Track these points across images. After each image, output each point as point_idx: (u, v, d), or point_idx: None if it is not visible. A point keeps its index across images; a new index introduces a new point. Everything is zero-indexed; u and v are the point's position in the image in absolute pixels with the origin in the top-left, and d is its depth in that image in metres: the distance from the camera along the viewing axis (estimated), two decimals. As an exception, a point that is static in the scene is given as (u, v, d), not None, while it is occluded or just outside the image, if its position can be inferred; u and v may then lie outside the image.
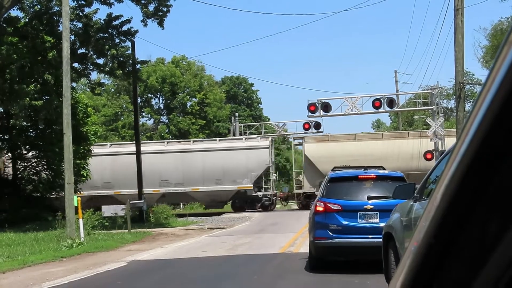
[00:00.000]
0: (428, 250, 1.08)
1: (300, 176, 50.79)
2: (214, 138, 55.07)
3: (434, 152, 40.10)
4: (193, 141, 49.88)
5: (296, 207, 52.11)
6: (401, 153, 44.56)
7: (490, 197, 0.97)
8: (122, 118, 75.58)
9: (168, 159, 45.80)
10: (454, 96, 39.14)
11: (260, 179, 47.27)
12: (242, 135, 54.07)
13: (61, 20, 28.56)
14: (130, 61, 35.81)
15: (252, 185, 46.54)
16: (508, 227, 0.94)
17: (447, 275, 1.06)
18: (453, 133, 37.32)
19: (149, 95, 77.94)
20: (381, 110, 43.25)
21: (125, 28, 34.44)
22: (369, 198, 13.25)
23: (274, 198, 49.28)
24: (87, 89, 50.69)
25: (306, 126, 48.70)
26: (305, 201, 49.32)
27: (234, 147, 47.20)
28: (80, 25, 34.30)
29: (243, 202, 46.77)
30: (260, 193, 47.30)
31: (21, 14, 34.34)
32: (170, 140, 53.68)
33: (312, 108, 42.37)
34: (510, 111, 0.93)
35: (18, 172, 38.71)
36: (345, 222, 13.17)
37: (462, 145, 1.01)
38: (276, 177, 50.03)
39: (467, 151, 0.99)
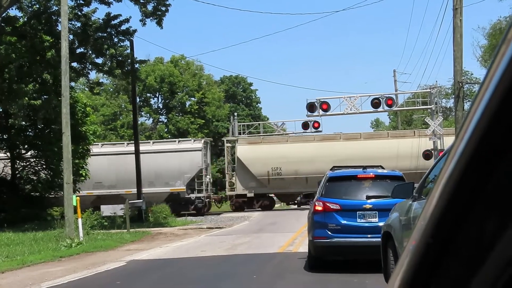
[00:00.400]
0: (426, 249, 1.08)
1: (233, 178, 51.14)
2: (148, 141, 54.85)
3: (432, 151, 40.13)
4: (127, 144, 49.49)
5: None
6: (331, 155, 44.82)
7: (489, 195, 0.97)
8: (121, 118, 75.60)
9: (102, 161, 45.52)
10: (453, 96, 39.15)
11: (193, 181, 47.30)
12: (241, 134, 54.08)
13: (59, 19, 28.54)
14: (129, 60, 35.87)
15: (185, 187, 46.58)
16: (507, 225, 0.94)
17: (446, 274, 1.06)
18: (452, 132, 37.39)
19: (148, 94, 77.94)
20: (380, 109, 43.27)
21: (123, 27, 34.49)
22: (368, 197, 13.26)
23: (207, 200, 49.33)
24: (85, 88, 50.63)
25: (305, 125, 48.70)
26: (238, 203, 49.72)
27: (167, 149, 47.28)
28: (78, 24, 34.33)
29: (176, 204, 46.64)
30: (193, 195, 47.35)
31: (19, 14, 34.40)
32: (104, 143, 53.38)
33: (311, 107, 42.34)
34: (508, 109, 0.92)
35: (17, 172, 38.73)
36: (344, 222, 13.17)
37: (461, 144, 1.00)
38: (209, 179, 50.19)
39: (465, 149, 0.99)
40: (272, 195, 51.58)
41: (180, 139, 54.31)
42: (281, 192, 50.31)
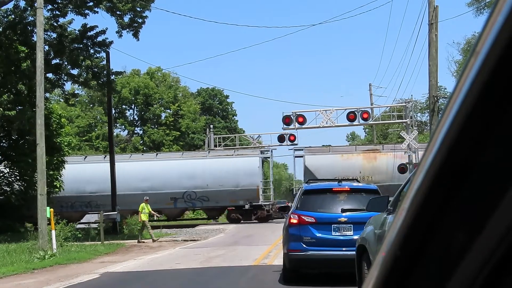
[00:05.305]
0: (394, 261, 1.08)
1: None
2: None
3: (408, 165, 40.39)
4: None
5: None
6: None
7: (457, 208, 0.98)
8: (96, 129, 75.20)
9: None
10: (428, 110, 39.48)
11: None
12: (217, 146, 53.98)
13: (35, 30, 28.39)
14: (105, 72, 35.65)
15: None
16: (475, 239, 0.94)
17: (414, 286, 1.06)
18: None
19: (123, 106, 77.65)
20: (355, 122, 43.43)
21: (100, 38, 34.31)
22: (343, 210, 13.26)
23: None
24: (61, 99, 50.37)
25: (281, 138, 48.73)
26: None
27: None
28: (54, 35, 34.14)
29: None
30: None
31: (-5, 24, 34.13)
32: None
33: (287, 120, 42.43)
34: (475, 121, 0.93)
35: (-10, 183, 38.34)
36: (319, 235, 13.16)
37: (429, 157, 1.01)
38: None
39: (433, 162, 0.99)
40: None
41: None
42: None
